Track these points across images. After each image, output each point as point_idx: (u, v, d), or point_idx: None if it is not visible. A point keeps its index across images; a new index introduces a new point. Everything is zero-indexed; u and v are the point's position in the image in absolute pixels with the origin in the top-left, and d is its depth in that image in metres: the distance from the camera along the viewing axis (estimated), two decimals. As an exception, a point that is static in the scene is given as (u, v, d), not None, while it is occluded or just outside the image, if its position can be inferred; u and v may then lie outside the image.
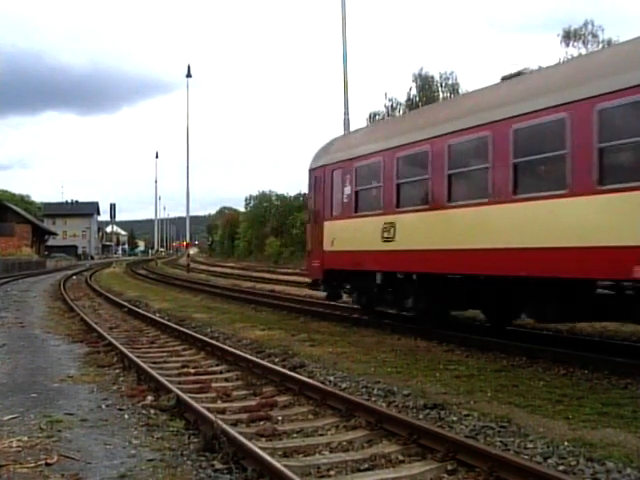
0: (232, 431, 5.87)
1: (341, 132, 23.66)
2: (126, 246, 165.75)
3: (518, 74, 11.31)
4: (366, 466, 5.43)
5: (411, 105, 48.55)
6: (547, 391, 7.93)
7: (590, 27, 36.49)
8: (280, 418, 7.00)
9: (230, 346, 11.37)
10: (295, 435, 6.40)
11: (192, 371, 9.82)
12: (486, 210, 10.58)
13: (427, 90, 48.23)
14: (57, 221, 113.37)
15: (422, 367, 9.60)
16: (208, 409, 6.82)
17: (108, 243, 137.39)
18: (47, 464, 5.37)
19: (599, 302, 9.48)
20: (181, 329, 13.78)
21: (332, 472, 5.32)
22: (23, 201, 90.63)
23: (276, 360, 10.18)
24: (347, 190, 14.66)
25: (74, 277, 41.70)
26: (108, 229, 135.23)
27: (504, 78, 11.75)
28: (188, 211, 54.33)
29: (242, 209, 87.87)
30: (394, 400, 7.47)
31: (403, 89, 74.03)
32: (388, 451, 5.72)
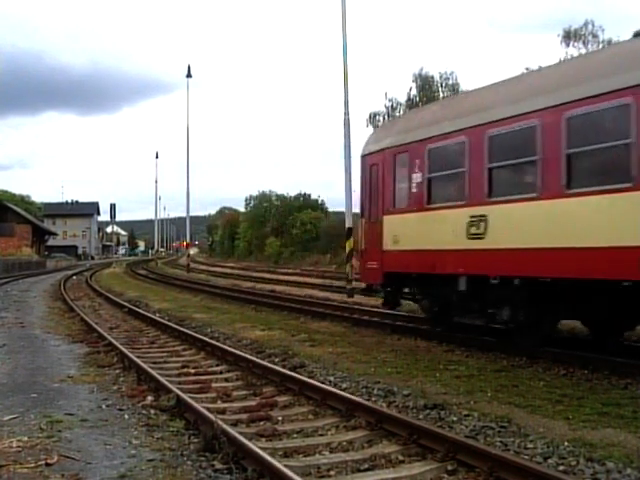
0: (232, 431, 5.88)
1: (341, 132, 23.60)
2: (126, 246, 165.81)
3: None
4: (366, 466, 5.43)
5: (411, 105, 48.57)
6: (547, 391, 7.93)
7: (590, 27, 36.50)
8: (280, 418, 7.00)
9: (230, 346, 11.37)
10: (295, 435, 6.40)
11: (192, 371, 9.82)
12: (627, 198, 8.45)
13: (427, 90, 48.20)
14: (57, 221, 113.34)
15: (422, 367, 9.60)
16: (208, 409, 6.82)
17: (108, 243, 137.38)
18: (47, 464, 5.37)
19: None
20: (181, 329, 13.78)
21: (332, 472, 5.33)
22: (23, 201, 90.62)
23: (276, 360, 10.18)
24: (416, 178, 12.29)
25: (74, 277, 41.69)
26: (108, 229, 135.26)
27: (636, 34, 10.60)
28: (188, 211, 54.36)
29: (242, 209, 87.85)
30: (394, 400, 7.47)
31: (403, 89, 74.06)
32: (388, 451, 5.72)
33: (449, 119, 11.90)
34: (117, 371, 9.76)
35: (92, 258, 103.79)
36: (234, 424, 6.60)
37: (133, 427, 6.58)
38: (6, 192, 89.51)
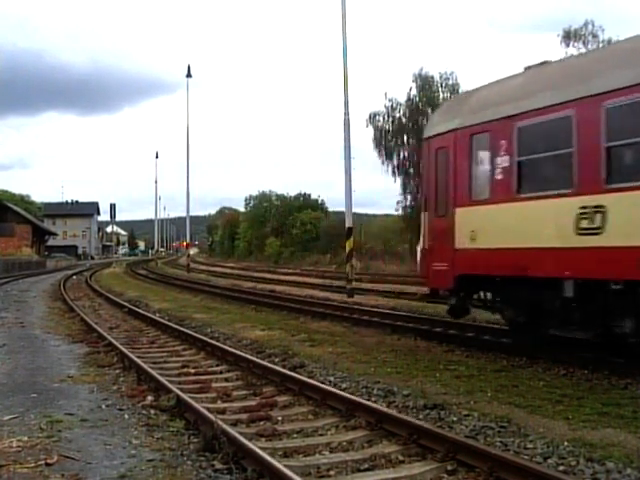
0: (232, 431, 5.88)
1: (341, 132, 23.58)
2: (126, 246, 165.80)
3: None
4: (366, 466, 5.43)
5: (411, 105, 48.58)
6: (547, 391, 7.93)
7: (590, 27, 36.49)
8: (280, 418, 7.00)
9: (230, 346, 11.37)
10: (295, 435, 6.40)
11: (192, 371, 9.82)
12: None
13: (427, 90, 48.21)
14: (57, 221, 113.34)
15: (422, 367, 9.60)
16: (208, 409, 6.83)
17: (108, 243, 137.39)
18: (47, 464, 5.37)
19: None
20: (181, 329, 13.78)
21: (332, 472, 5.33)
22: (23, 201, 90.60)
23: (276, 360, 10.18)
24: (502, 161, 10.38)
25: (74, 277, 41.69)
26: (108, 229, 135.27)
27: None
28: (188, 211, 54.41)
29: (242, 209, 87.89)
30: (394, 400, 7.47)
31: (403, 89, 74.01)
32: (388, 451, 5.72)
33: (547, 90, 9.88)
34: (117, 371, 9.76)
35: (92, 258, 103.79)
36: (234, 424, 6.60)
37: (133, 427, 6.58)
38: (6, 192, 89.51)
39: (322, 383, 8.21)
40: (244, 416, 7.05)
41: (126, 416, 7.02)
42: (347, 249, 23.03)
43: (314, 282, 31.43)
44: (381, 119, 49.04)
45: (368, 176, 63.20)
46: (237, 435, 5.75)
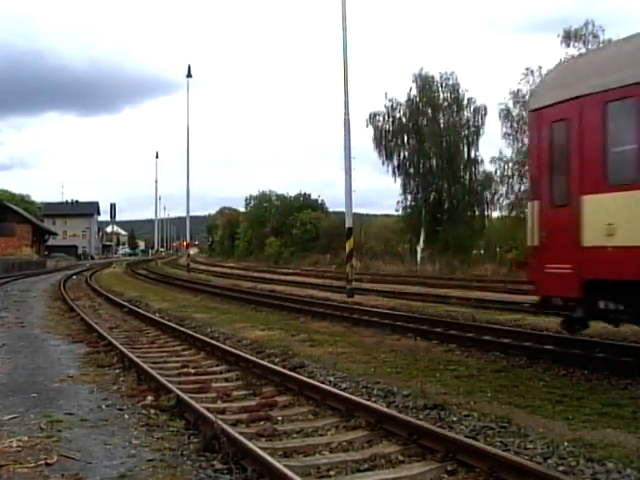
0: (232, 431, 5.87)
1: (341, 132, 23.54)
2: (126, 246, 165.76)
3: None
4: (366, 466, 5.43)
5: (411, 105, 48.58)
6: (547, 391, 7.93)
7: (591, 27, 36.46)
8: (280, 418, 7.00)
9: (230, 346, 11.37)
10: (295, 435, 6.40)
11: (192, 371, 9.82)
12: None
13: (427, 90, 48.25)
14: (57, 221, 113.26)
15: (422, 367, 9.60)
16: (208, 409, 6.82)
17: (108, 243, 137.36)
18: (47, 464, 5.37)
19: None
20: (181, 329, 13.77)
21: (332, 472, 5.33)
22: (23, 201, 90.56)
23: (276, 360, 10.18)
24: None
25: (74, 277, 41.68)
26: (108, 229, 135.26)
27: None
28: (188, 211, 54.41)
29: (242, 209, 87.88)
30: (394, 400, 7.46)
31: (403, 89, 74.00)
32: (388, 451, 5.72)
33: None
34: (117, 371, 9.76)
35: (92, 258, 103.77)
36: (234, 424, 6.60)
37: (133, 427, 6.58)
38: (6, 192, 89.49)
39: (322, 383, 8.20)
40: (244, 416, 7.05)
41: (126, 416, 7.02)
42: (347, 249, 23.04)
43: (314, 282, 31.43)
44: (381, 119, 49.12)
45: (368, 176, 63.23)
46: (237, 435, 5.75)
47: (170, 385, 7.91)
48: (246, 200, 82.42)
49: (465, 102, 48.31)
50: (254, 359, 9.77)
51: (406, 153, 49.04)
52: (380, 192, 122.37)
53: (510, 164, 39.63)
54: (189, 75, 47.66)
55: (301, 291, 25.38)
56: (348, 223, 23.12)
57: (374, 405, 6.94)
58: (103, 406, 7.50)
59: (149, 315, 16.94)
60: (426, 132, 47.70)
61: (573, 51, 36.59)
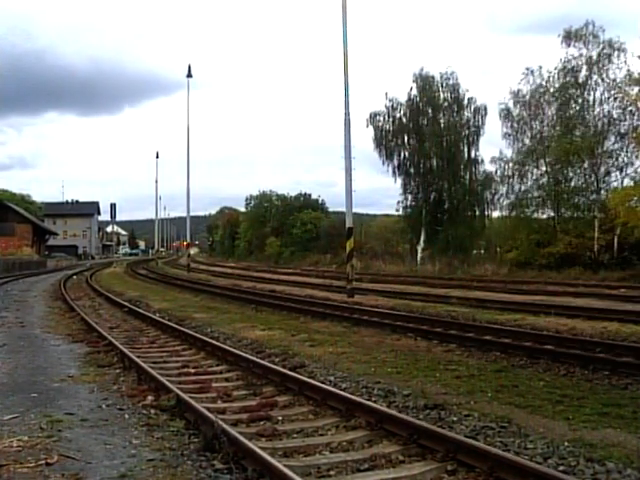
0: (232, 431, 5.87)
1: (341, 132, 23.52)
2: (127, 246, 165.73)
3: None
4: (366, 466, 5.42)
5: (411, 105, 48.56)
6: (547, 391, 7.93)
7: (591, 27, 36.37)
8: (280, 418, 7.00)
9: (230, 346, 11.37)
10: (295, 435, 6.40)
11: (192, 371, 9.82)
12: None
13: (428, 90, 48.23)
14: (57, 221, 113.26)
15: (422, 367, 9.60)
16: (208, 409, 6.82)
17: (109, 243, 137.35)
18: (47, 464, 5.37)
19: None
20: (181, 329, 13.78)
21: (332, 472, 5.32)
22: (24, 201, 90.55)
23: (276, 360, 10.18)
24: None
25: (74, 277, 41.70)
26: (108, 229, 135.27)
27: None
28: (188, 211, 54.40)
29: (242, 209, 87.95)
30: (394, 400, 7.47)
31: (403, 89, 74.05)
32: (388, 451, 5.72)
33: None
34: (117, 371, 9.76)
35: (92, 258, 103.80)
36: (234, 424, 6.60)
37: (133, 427, 6.58)
38: (6, 191, 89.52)
39: (322, 383, 8.20)
40: (244, 416, 7.05)
41: (126, 416, 7.02)
42: (347, 249, 23.04)
43: (314, 282, 31.44)
44: (381, 119, 49.09)
45: (368, 176, 63.29)
46: (237, 435, 5.75)
47: (170, 385, 7.91)
48: (246, 200, 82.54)
49: (465, 102, 48.29)
50: (254, 359, 9.77)
51: (406, 153, 49.02)
52: (380, 192, 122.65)
53: (510, 164, 39.54)
54: (189, 75, 47.70)
55: (301, 291, 25.38)
56: (348, 223, 23.12)
57: (374, 405, 6.94)
58: (103, 406, 7.50)
59: (149, 315, 16.95)
60: (426, 132, 47.69)
61: (573, 51, 36.59)
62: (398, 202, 49.92)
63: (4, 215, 69.26)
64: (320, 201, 72.51)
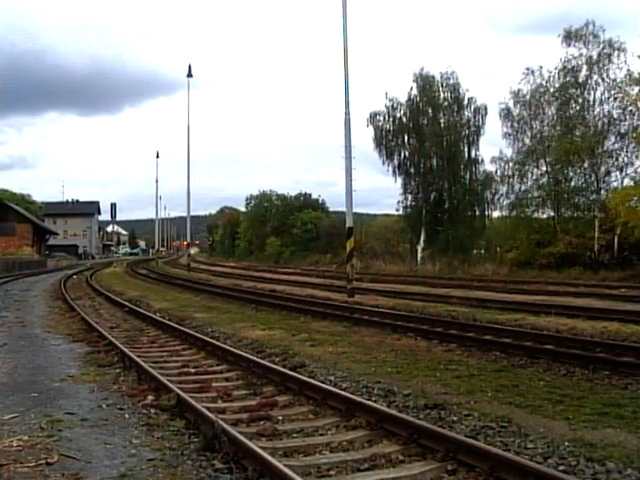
0: (232, 431, 5.87)
1: (341, 132, 23.54)
2: (127, 245, 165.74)
3: None
4: (366, 466, 5.42)
5: (412, 105, 48.56)
6: (547, 391, 7.93)
7: (591, 27, 36.37)
8: (280, 418, 7.00)
9: (230, 346, 11.37)
10: (295, 435, 6.40)
11: (192, 371, 9.82)
12: None
13: (428, 90, 48.23)
14: (58, 220, 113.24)
15: (422, 367, 9.60)
16: (208, 409, 6.82)
17: (109, 242, 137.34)
18: (47, 463, 5.37)
19: None
20: (182, 329, 13.78)
21: (332, 472, 5.32)
22: (24, 200, 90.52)
23: (276, 360, 10.18)
24: None
25: (75, 276, 41.71)
26: (109, 229, 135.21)
27: None
28: (189, 211, 54.44)
29: (243, 209, 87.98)
30: (394, 400, 7.47)
31: (404, 89, 74.05)
32: (388, 451, 5.72)
33: None
34: (117, 370, 9.76)
35: (93, 257, 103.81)
36: (234, 424, 6.60)
37: (133, 426, 6.58)
38: (7, 191, 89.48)
39: (322, 383, 8.20)
40: (244, 416, 7.05)
41: (126, 416, 7.02)
42: (348, 249, 23.04)
43: (314, 282, 31.45)
44: (382, 119, 49.09)
45: (368, 176, 63.31)
46: (237, 435, 5.75)
47: (170, 385, 7.92)
48: (247, 200, 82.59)
49: (465, 102, 48.30)
50: (254, 359, 9.77)
51: (406, 153, 49.03)
52: (380, 192, 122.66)
53: (510, 164, 39.55)
54: (190, 75, 47.73)
55: (302, 291, 25.38)
56: (348, 223, 23.12)
57: (374, 405, 6.94)
58: (103, 406, 7.50)
59: (149, 315, 16.95)
60: (426, 132, 47.69)
61: (573, 51, 36.58)
62: (398, 202, 49.98)
63: (4, 215, 69.25)
64: (320, 201, 72.62)
